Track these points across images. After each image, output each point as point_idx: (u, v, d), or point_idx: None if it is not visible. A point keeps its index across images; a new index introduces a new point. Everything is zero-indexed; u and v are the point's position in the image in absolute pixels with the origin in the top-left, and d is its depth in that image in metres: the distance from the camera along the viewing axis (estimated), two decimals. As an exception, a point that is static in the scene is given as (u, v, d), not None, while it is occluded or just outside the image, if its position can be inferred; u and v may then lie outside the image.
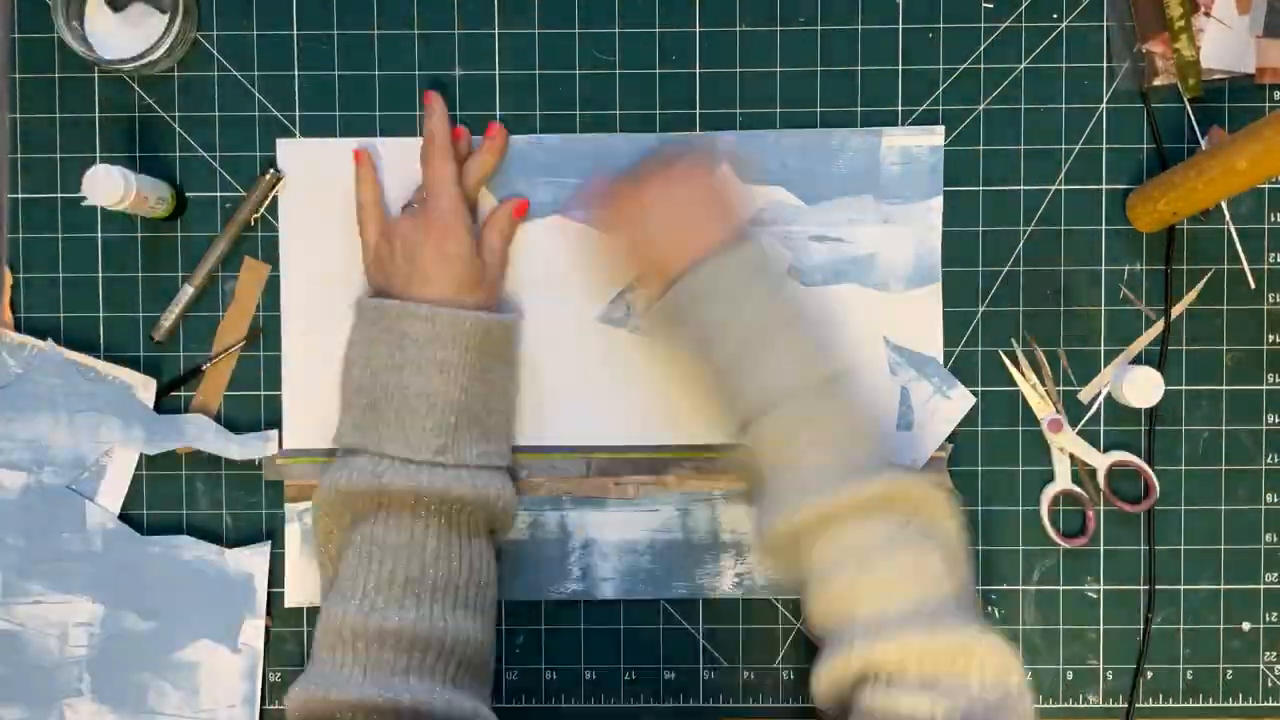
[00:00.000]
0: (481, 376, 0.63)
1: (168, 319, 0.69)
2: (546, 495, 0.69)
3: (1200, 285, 0.69)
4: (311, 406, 0.69)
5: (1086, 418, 0.69)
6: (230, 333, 0.69)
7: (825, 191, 0.69)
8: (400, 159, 0.69)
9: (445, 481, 0.61)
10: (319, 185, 0.69)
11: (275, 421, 0.69)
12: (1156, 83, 0.69)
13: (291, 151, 0.69)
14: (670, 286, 0.61)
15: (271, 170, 0.68)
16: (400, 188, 0.69)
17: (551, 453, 0.69)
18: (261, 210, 0.69)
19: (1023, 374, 0.69)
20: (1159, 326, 0.69)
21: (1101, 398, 0.69)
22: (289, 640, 0.70)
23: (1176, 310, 0.69)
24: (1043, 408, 0.69)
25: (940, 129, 0.69)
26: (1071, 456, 0.69)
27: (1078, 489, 0.69)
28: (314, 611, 0.69)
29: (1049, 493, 0.69)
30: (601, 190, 0.66)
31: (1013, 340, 0.70)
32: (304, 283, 0.69)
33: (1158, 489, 0.69)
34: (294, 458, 0.69)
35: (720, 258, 0.60)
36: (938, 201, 0.69)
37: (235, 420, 0.69)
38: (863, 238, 0.69)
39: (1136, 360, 0.69)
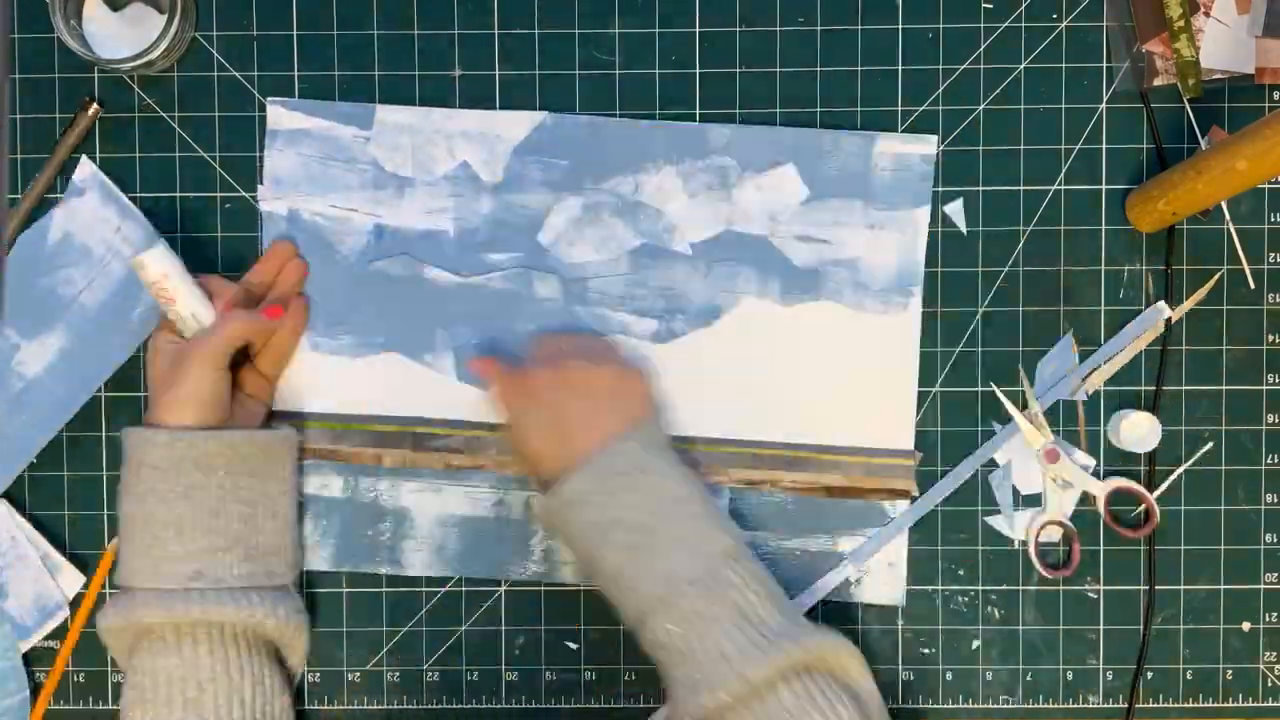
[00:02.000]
0: (239, 496, 0.61)
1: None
2: (514, 475, 0.69)
3: (1208, 286, 0.69)
4: (285, 372, 0.69)
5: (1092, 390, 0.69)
6: None
7: (816, 191, 0.69)
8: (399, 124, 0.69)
9: (202, 606, 0.59)
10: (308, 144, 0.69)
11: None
12: (1156, 83, 0.69)
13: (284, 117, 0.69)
14: (548, 492, 0.61)
15: (90, 100, 0.68)
16: (394, 148, 0.69)
17: None
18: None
19: (1017, 407, 0.68)
20: (1159, 327, 0.69)
21: (1083, 396, 0.69)
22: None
23: (1179, 312, 0.69)
24: (1036, 438, 0.68)
25: (933, 138, 0.69)
26: (1067, 484, 0.69)
27: (1067, 522, 0.69)
28: None
29: (1038, 521, 0.69)
30: (489, 372, 0.66)
31: (1006, 370, 0.70)
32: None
33: (1158, 515, 0.68)
34: None
35: (596, 461, 0.60)
36: (925, 211, 0.69)
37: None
38: (848, 241, 0.69)
39: (1135, 363, 0.69)
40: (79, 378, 0.69)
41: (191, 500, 0.60)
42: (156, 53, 0.65)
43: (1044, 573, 0.68)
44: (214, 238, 0.70)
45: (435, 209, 0.69)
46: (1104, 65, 0.69)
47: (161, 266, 0.62)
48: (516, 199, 0.69)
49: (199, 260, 0.69)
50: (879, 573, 0.69)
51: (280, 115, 0.69)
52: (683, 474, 0.61)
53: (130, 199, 0.69)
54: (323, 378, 0.69)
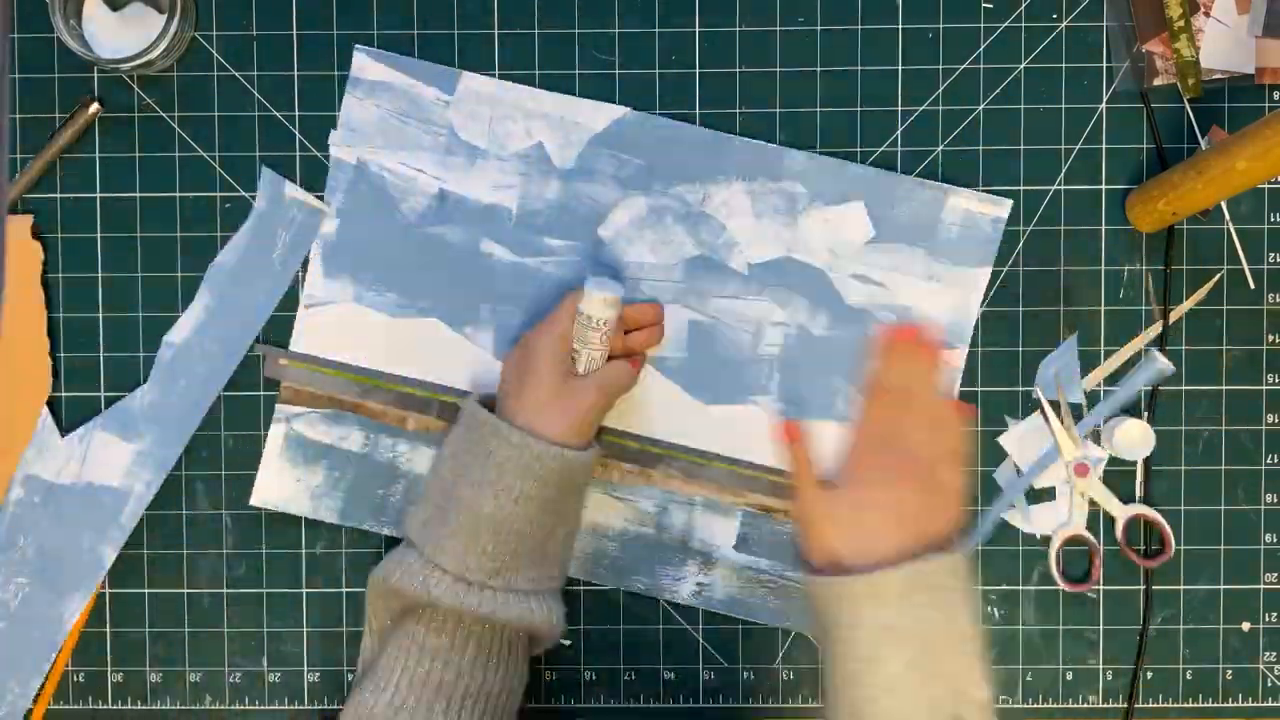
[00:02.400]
0: (553, 509, 0.63)
1: None
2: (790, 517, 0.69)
3: (1208, 286, 0.69)
4: (325, 318, 0.69)
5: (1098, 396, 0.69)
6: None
7: (881, 234, 0.69)
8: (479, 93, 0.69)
9: (492, 606, 0.61)
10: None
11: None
12: (1156, 82, 0.69)
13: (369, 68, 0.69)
14: (834, 574, 0.56)
15: (90, 99, 0.68)
16: (473, 119, 0.69)
17: None
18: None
19: (1059, 415, 0.68)
20: (1158, 326, 0.69)
21: (1090, 394, 0.69)
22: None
23: (1179, 312, 0.69)
24: (1071, 450, 0.68)
25: (1008, 203, 0.68)
26: (1090, 501, 0.69)
27: (1089, 535, 0.69)
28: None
29: (1060, 535, 0.69)
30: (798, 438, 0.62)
31: (1029, 379, 0.70)
32: (347, 194, 0.69)
33: (1173, 546, 0.69)
34: (297, 362, 0.69)
35: (915, 566, 0.55)
36: (986, 271, 0.69)
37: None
38: (904, 289, 0.69)
39: (1135, 359, 0.69)
40: (232, 333, 0.69)
41: (519, 507, 0.61)
42: (156, 52, 0.65)
43: (1065, 587, 0.69)
44: (213, 237, 0.70)
45: (502, 184, 0.69)
46: (1104, 65, 0.69)
47: (615, 311, 0.63)
48: (584, 188, 0.69)
49: (199, 261, 0.70)
50: None
51: (365, 64, 0.69)
52: (976, 606, 0.59)
53: (130, 199, 0.70)
54: (361, 330, 0.69)
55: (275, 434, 0.70)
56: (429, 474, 0.65)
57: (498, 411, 0.64)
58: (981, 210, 0.69)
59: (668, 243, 0.69)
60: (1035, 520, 0.69)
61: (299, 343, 0.69)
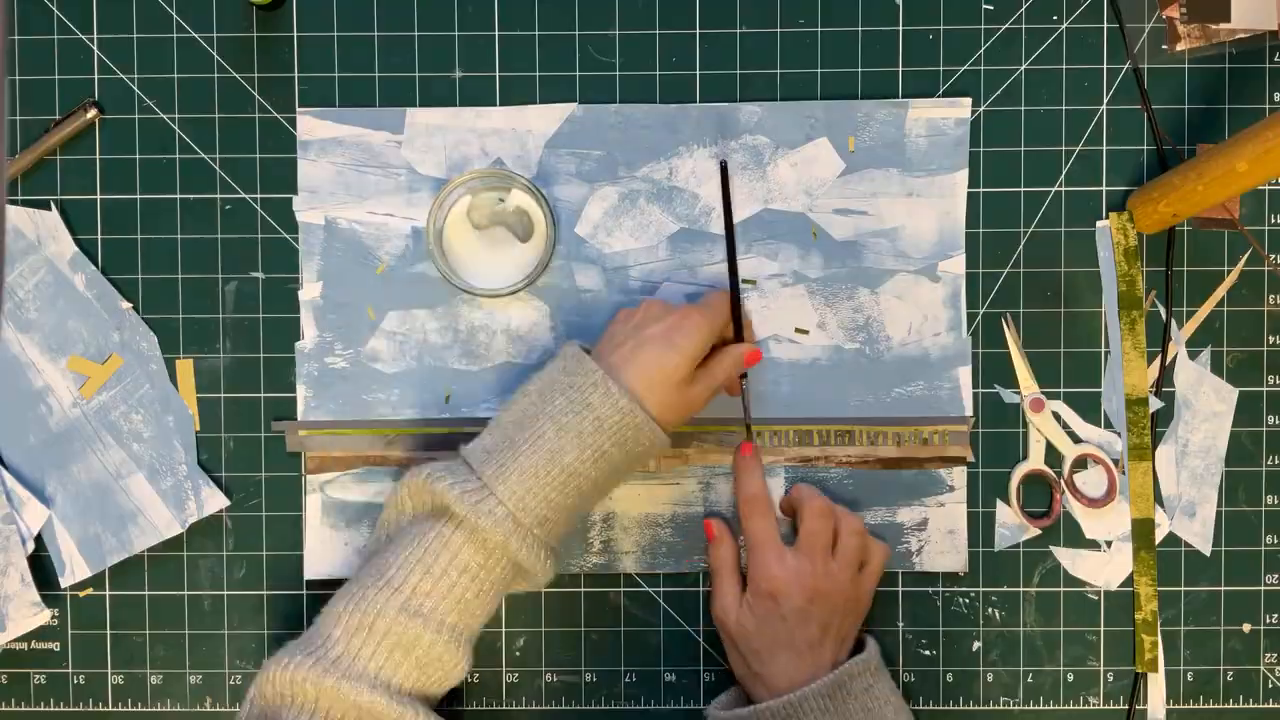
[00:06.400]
0: (614, 479, 0.63)
1: None
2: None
3: (1218, 295, 0.69)
4: (328, 380, 0.70)
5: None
6: None
7: (851, 164, 0.69)
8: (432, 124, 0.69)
9: (530, 553, 0.60)
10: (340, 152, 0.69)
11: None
12: (1179, 48, 0.69)
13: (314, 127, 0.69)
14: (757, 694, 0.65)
15: (92, 103, 0.69)
16: (427, 150, 0.69)
17: None
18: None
19: (1018, 347, 0.69)
20: (1177, 329, 0.69)
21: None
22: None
23: (1191, 325, 0.69)
24: (1029, 384, 0.69)
25: (966, 101, 0.69)
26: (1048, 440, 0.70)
27: (1048, 470, 0.69)
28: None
29: (1020, 470, 0.69)
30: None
31: (1002, 322, 0.70)
32: (323, 255, 0.69)
33: (1119, 490, 0.69)
34: (314, 429, 0.69)
35: (817, 687, 0.62)
36: (963, 175, 0.69)
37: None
38: (887, 211, 0.69)
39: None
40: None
41: (594, 468, 0.60)
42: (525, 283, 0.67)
43: (1028, 524, 0.69)
44: (214, 239, 0.70)
45: None
46: (1104, 67, 0.69)
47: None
48: (551, 192, 0.69)
49: (199, 262, 0.70)
50: (939, 541, 0.69)
51: (311, 125, 0.69)
52: (897, 698, 0.65)
53: (130, 200, 0.70)
54: (370, 383, 0.69)
55: (311, 505, 0.70)
56: (503, 406, 0.63)
57: (600, 361, 0.62)
58: (944, 115, 0.69)
59: (646, 225, 0.69)
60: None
61: (311, 411, 0.69)
